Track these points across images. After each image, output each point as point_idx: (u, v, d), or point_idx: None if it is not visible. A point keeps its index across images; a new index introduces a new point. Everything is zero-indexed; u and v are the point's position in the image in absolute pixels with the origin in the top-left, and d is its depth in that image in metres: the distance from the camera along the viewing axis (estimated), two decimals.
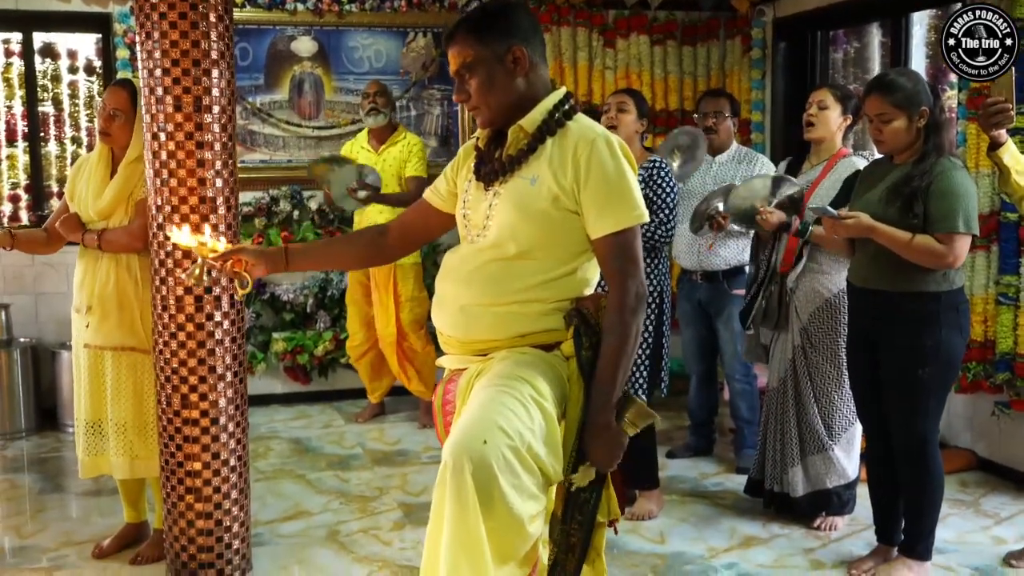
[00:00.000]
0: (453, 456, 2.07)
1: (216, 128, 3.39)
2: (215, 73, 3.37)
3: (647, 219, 2.33)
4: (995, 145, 3.28)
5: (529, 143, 2.33)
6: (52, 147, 6.06)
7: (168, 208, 3.39)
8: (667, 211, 4.04)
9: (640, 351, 3.98)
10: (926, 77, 5.32)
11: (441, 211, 2.56)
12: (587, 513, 2.29)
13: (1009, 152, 3.29)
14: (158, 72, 3.34)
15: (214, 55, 3.36)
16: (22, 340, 5.69)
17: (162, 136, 3.36)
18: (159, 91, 3.34)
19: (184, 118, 3.35)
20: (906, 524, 3.55)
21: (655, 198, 4.04)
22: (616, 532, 2.47)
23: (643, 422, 2.31)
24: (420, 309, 5.45)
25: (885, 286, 3.39)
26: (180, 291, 3.41)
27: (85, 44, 6.03)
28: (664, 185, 4.05)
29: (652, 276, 4.06)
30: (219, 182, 3.42)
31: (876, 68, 5.81)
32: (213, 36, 3.35)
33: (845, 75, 6.03)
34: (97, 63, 6.02)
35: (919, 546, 3.50)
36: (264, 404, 5.97)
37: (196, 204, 3.39)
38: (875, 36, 5.79)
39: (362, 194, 5.24)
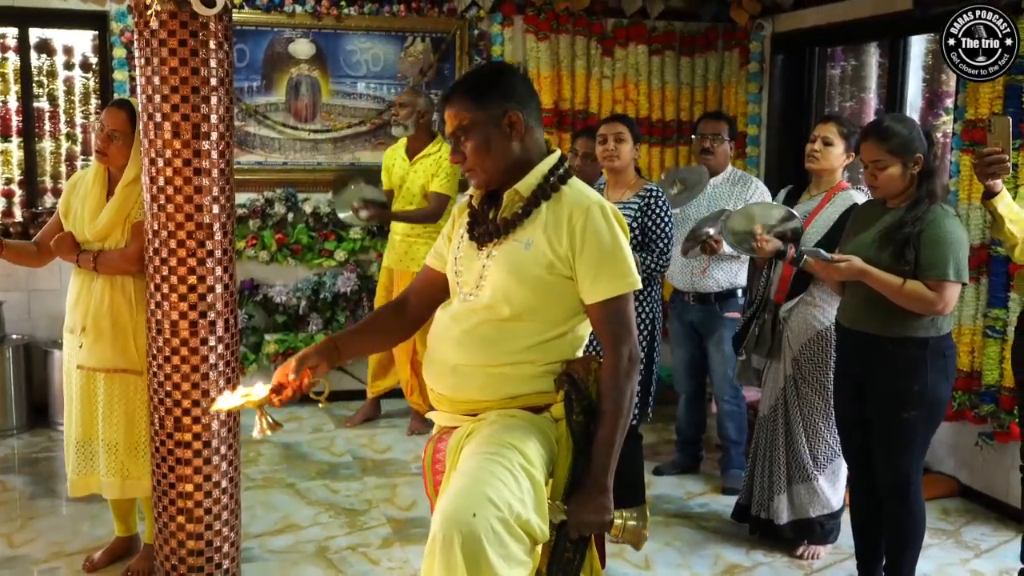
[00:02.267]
0: (443, 530, 2.10)
1: (214, 155, 3.40)
2: (214, 100, 3.37)
3: (640, 287, 2.37)
4: (990, 193, 3.31)
5: (524, 207, 2.35)
6: (47, 143, 6.05)
7: (165, 233, 3.40)
8: (664, 242, 4.07)
9: None
10: (923, 101, 5.40)
11: (444, 274, 2.56)
12: (570, 573, 2.33)
13: (1003, 201, 3.32)
14: (157, 98, 3.34)
15: (213, 82, 3.36)
16: (14, 337, 5.70)
17: (160, 162, 3.37)
18: (158, 117, 3.35)
19: (182, 145, 3.35)
20: (887, 561, 3.61)
21: (653, 228, 4.07)
22: None
23: (629, 539, 2.37)
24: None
25: (874, 329, 3.42)
26: (175, 315, 3.43)
27: (81, 40, 6.00)
28: (661, 215, 4.08)
29: (645, 303, 4.09)
30: (216, 208, 3.43)
31: (872, 87, 5.83)
32: (212, 63, 3.35)
33: (841, 92, 6.05)
34: (93, 60, 6.00)
35: None
36: None
37: (193, 230, 3.40)
38: (873, 55, 5.80)
39: (363, 213, 5.29)
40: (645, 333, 4.07)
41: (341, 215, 5.60)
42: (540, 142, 2.41)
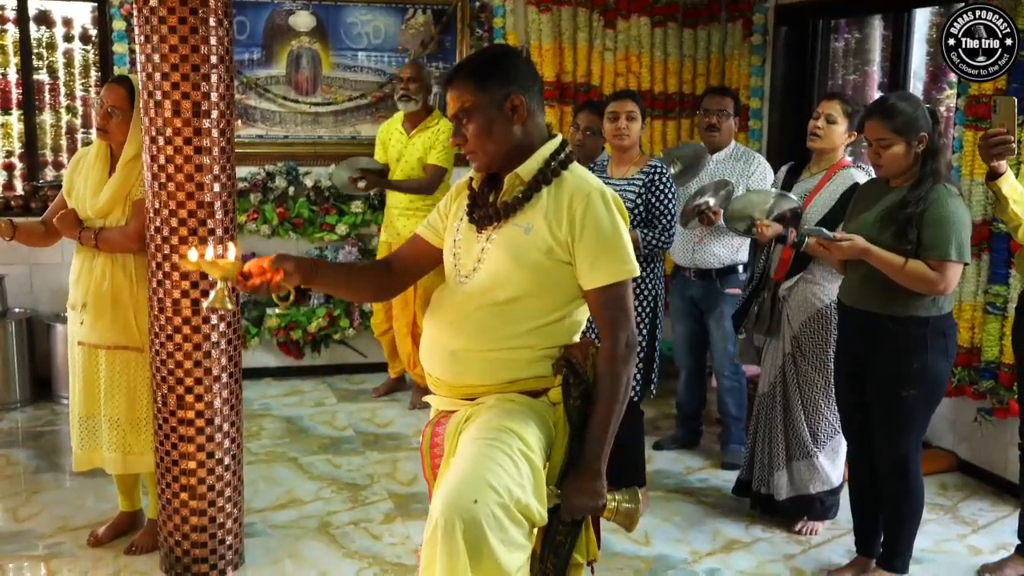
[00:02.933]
0: (444, 516, 2.12)
1: (215, 133, 3.39)
2: (214, 78, 3.36)
3: (638, 273, 2.37)
4: (994, 174, 3.31)
5: (524, 192, 2.36)
6: (47, 116, 6.03)
7: (166, 212, 3.40)
8: (667, 218, 4.06)
9: None
10: (926, 75, 5.37)
11: (434, 246, 2.58)
12: (561, 556, 2.36)
13: (1008, 182, 3.31)
14: (157, 76, 3.33)
15: (213, 59, 3.35)
16: (17, 311, 5.72)
17: (160, 140, 3.36)
18: (158, 95, 3.34)
19: (183, 123, 3.34)
20: (885, 538, 3.64)
21: (657, 204, 4.06)
22: (592, 572, 2.53)
23: (622, 521, 2.39)
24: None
25: (875, 308, 3.43)
26: (176, 294, 3.44)
27: (81, 12, 5.97)
28: (665, 191, 4.06)
29: (648, 281, 4.09)
30: (217, 187, 3.43)
31: (876, 60, 5.79)
32: (212, 41, 3.33)
33: (845, 65, 6.01)
34: (93, 32, 5.97)
35: (897, 560, 3.59)
36: (257, 378, 6.01)
37: (194, 208, 3.40)
38: (877, 28, 5.76)
39: (361, 183, 5.29)
40: (648, 310, 4.07)
41: (339, 186, 5.63)
42: (542, 126, 2.41)
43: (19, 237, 3.81)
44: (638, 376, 4.08)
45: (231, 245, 2.31)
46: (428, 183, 5.35)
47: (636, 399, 4.12)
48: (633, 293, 3.98)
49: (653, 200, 4.08)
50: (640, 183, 4.09)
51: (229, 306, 2.29)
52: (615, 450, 2.40)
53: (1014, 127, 3.23)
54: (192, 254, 2.27)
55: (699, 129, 5.05)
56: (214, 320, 3.48)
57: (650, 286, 4.10)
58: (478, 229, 2.41)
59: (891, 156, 3.36)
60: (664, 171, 4.12)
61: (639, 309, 4.04)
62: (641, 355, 4.06)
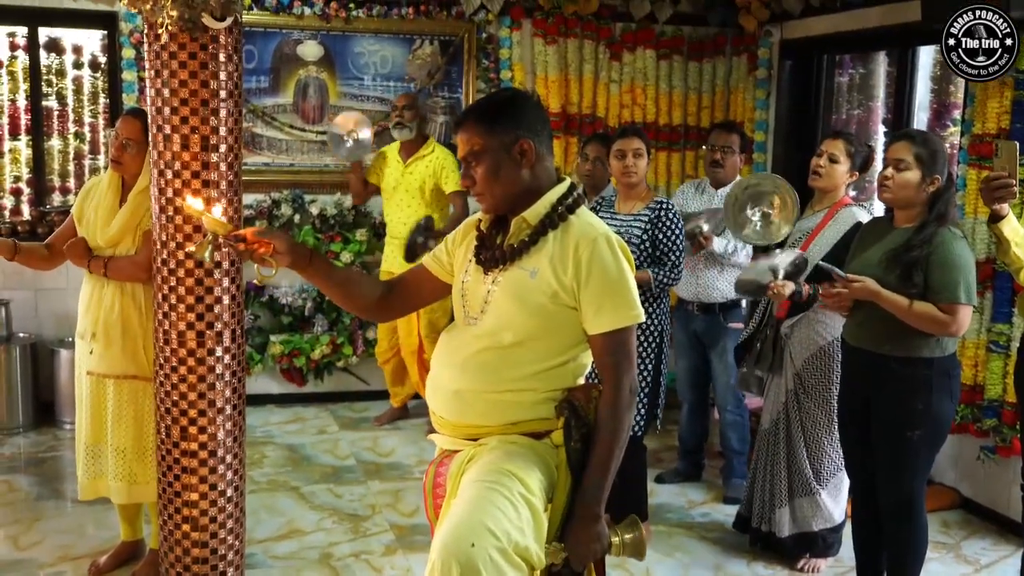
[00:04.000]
0: (442, 558, 2.13)
1: (223, 167, 3.41)
2: (223, 112, 3.38)
3: (643, 319, 2.38)
4: (996, 217, 3.32)
5: (531, 235, 2.37)
6: (55, 142, 6.08)
7: (173, 244, 3.41)
8: (675, 255, 4.07)
9: (640, 388, 4.03)
10: (930, 111, 5.39)
11: (438, 279, 2.60)
12: None
13: (1010, 225, 3.32)
14: (167, 111, 3.35)
15: (223, 94, 3.37)
16: (21, 336, 5.73)
17: (169, 173, 3.38)
18: (167, 129, 3.36)
19: (191, 157, 3.36)
20: None
21: (664, 240, 4.07)
22: None
23: (631, 553, 2.38)
24: (438, 320, 5.50)
25: (880, 348, 3.43)
26: (182, 325, 3.45)
27: (90, 40, 6.03)
28: (673, 228, 4.08)
29: (654, 316, 4.09)
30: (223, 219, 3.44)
31: (880, 96, 5.82)
32: (222, 76, 3.36)
33: (849, 100, 6.04)
34: (102, 59, 6.02)
35: None
36: (260, 404, 6.03)
37: (200, 241, 3.41)
38: (881, 64, 5.79)
39: (432, 244, 5.17)
40: (654, 344, 4.08)
41: (408, 260, 5.23)
42: (550, 170, 2.43)
43: (20, 258, 3.82)
44: (642, 411, 4.08)
45: (217, 204, 2.37)
46: (462, 212, 5.39)
47: (640, 434, 4.12)
48: (639, 327, 4.03)
49: (660, 236, 4.09)
50: (646, 219, 4.10)
51: (207, 258, 2.38)
52: (619, 485, 2.41)
53: (1015, 170, 3.25)
54: (191, 200, 2.36)
55: (704, 164, 5.08)
56: (219, 352, 3.49)
57: (656, 320, 4.11)
58: (484, 271, 2.42)
59: (903, 180, 3.35)
60: (671, 207, 4.14)
61: (645, 343, 4.05)
62: (646, 389, 4.06)
